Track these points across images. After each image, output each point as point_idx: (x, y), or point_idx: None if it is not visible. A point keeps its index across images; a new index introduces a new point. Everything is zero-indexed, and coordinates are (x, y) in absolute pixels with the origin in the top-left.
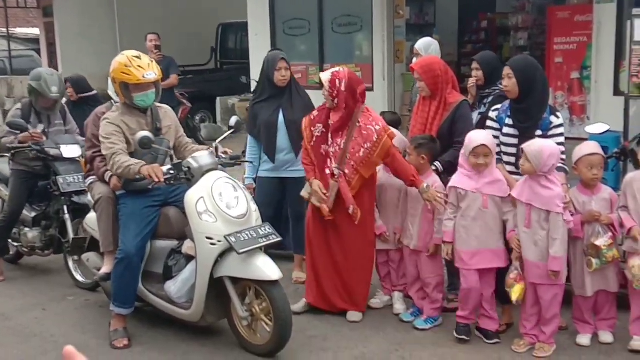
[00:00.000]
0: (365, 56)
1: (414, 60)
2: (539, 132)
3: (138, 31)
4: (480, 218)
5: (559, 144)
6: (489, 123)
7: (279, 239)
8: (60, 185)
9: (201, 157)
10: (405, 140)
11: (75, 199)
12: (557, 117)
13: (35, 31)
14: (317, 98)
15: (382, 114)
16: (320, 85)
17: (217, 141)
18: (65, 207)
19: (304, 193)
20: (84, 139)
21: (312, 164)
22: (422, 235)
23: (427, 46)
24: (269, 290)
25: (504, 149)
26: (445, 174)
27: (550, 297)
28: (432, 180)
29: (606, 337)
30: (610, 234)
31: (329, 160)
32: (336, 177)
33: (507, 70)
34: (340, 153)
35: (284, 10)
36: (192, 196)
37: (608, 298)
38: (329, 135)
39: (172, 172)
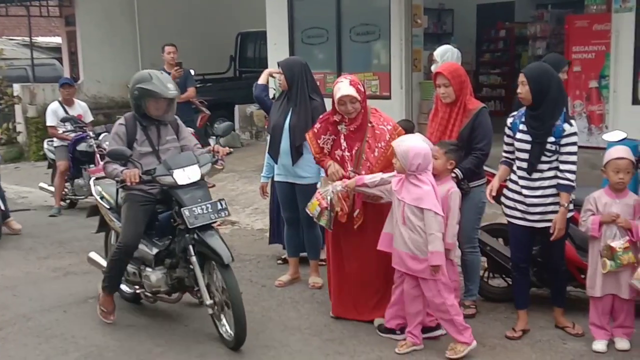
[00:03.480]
0: (383, 65)
1: (433, 67)
2: (551, 139)
3: (159, 39)
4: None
5: (570, 152)
6: (505, 130)
7: None
8: (187, 219)
9: None
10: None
11: (202, 234)
12: (571, 125)
13: (57, 40)
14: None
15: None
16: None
17: None
18: (191, 247)
19: (308, 208)
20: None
21: (325, 156)
22: None
23: (443, 53)
24: None
25: (517, 154)
26: (466, 181)
27: (433, 292)
28: (449, 186)
29: (622, 344)
30: (627, 237)
31: (345, 165)
32: None
33: (521, 78)
34: (355, 156)
35: (303, 19)
36: None
37: (623, 305)
38: (342, 140)
39: None
